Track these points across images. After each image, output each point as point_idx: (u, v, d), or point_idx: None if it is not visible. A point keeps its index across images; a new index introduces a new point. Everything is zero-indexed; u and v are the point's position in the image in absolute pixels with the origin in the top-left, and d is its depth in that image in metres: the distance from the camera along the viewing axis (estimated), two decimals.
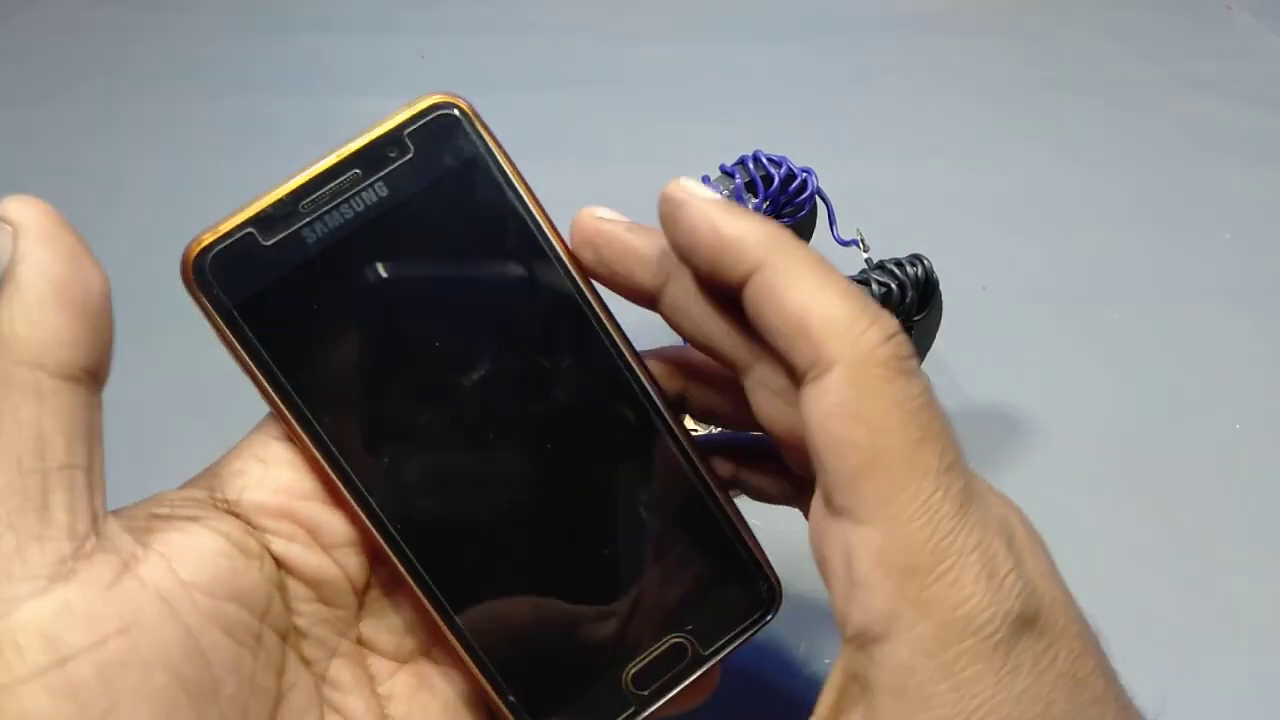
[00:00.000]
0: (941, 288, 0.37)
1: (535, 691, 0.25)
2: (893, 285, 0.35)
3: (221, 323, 0.23)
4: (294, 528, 0.23)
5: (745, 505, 0.27)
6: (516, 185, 0.24)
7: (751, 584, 0.26)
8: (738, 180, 0.40)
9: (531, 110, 0.64)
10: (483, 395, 0.24)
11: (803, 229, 0.44)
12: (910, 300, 0.36)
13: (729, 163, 0.40)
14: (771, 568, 0.27)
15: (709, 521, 0.26)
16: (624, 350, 0.25)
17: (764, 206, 0.41)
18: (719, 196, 0.22)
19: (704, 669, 0.26)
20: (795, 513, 0.27)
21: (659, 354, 0.27)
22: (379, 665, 0.25)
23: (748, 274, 0.21)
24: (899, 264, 0.36)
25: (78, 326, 0.20)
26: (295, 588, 0.23)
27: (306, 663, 0.23)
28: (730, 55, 0.71)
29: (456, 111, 0.24)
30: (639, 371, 0.25)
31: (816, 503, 0.21)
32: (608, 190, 0.56)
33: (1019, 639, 0.19)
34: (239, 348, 0.23)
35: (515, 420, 0.25)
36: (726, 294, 0.22)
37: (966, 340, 0.43)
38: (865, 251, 0.40)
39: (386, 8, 0.75)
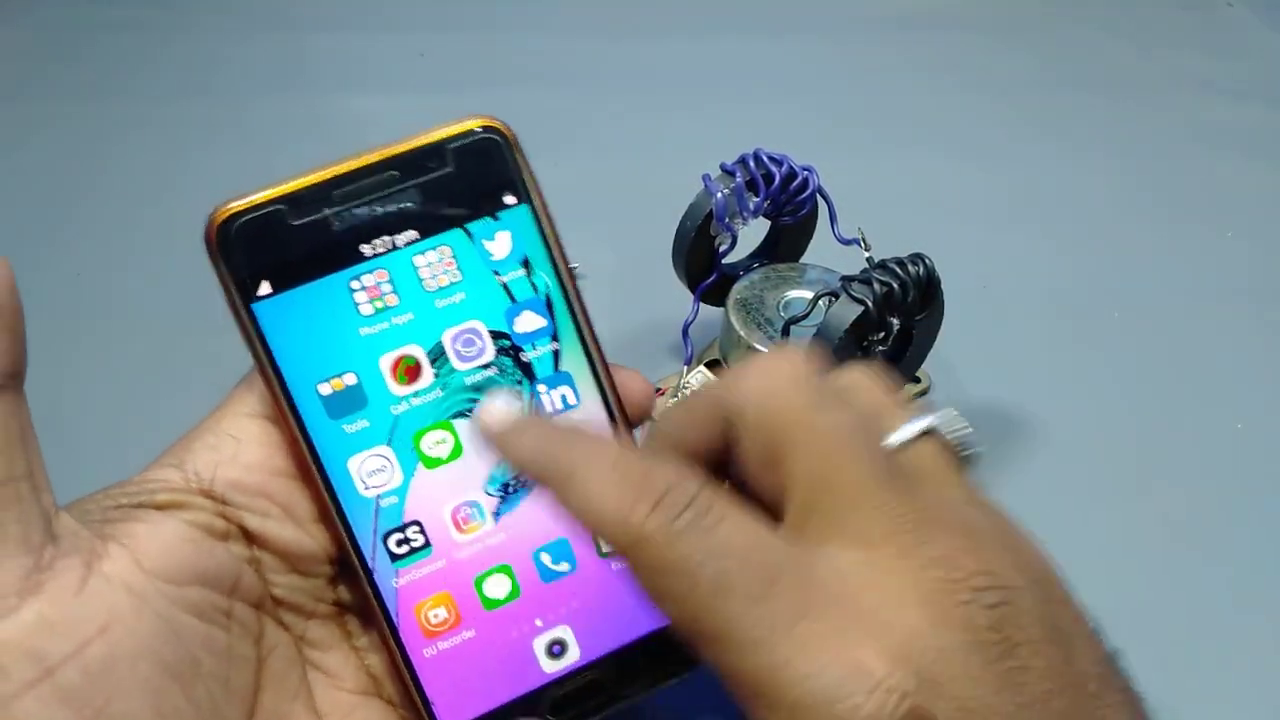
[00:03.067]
0: (943, 286, 0.37)
1: (458, 702, 0.26)
2: (894, 284, 0.35)
3: (233, 288, 0.23)
4: (268, 503, 0.24)
5: None
6: (540, 214, 0.25)
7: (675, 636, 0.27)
8: (738, 179, 0.40)
9: (531, 108, 0.63)
10: (462, 411, 0.25)
11: (804, 228, 0.44)
12: (912, 299, 0.36)
13: (730, 161, 0.40)
14: None
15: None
16: (605, 383, 0.26)
17: (765, 205, 0.40)
18: (505, 419, 0.23)
19: (615, 708, 0.27)
20: None
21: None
22: (355, 621, 0.26)
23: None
24: (900, 263, 0.36)
25: None
26: (269, 560, 0.24)
27: (284, 626, 0.24)
28: (730, 53, 0.71)
29: (500, 137, 0.24)
30: (613, 404, 0.26)
31: None
32: (607, 188, 0.56)
33: None
34: (243, 317, 0.23)
35: (482, 448, 0.25)
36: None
37: (967, 340, 0.43)
38: (867, 250, 0.40)
39: (386, 6, 0.75)
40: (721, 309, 0.42)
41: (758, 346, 0.39)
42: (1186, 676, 0.33)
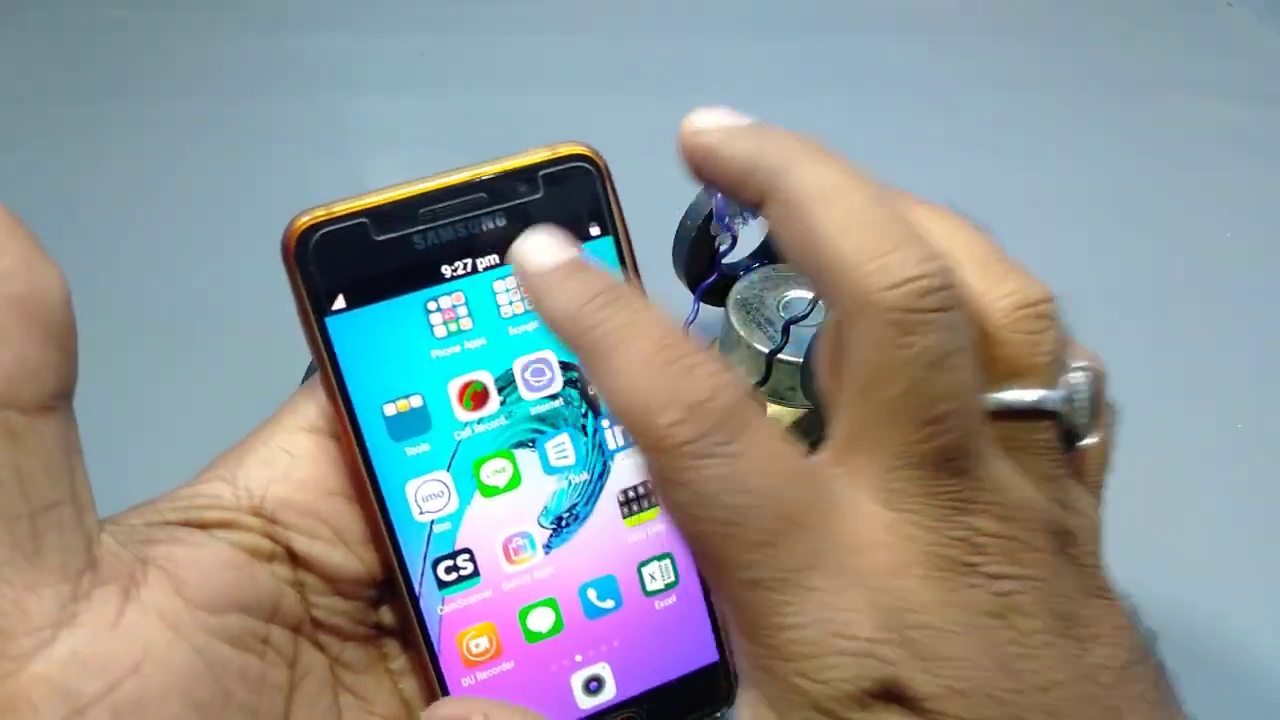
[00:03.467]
0: None
1: None
2: None
3: (307, 300, 0.22)
4: (317, 524, 0.23)
5: None
6: (623, 247, 0.25)
7: (713, 675, 0.27)
8: None
9: (531, 108, 0.64)
10: (523, 441, 0.25)
11: None
12: None
13: None
14: (735, 662, 0.27)
15: (682, 607, 0.26)
16: None
17: None
18: (717, 124, 0.22)
19: None
20: None
21: None
22: (392, 644, 0.25)
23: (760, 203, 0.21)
24: None
25: (44, 350, 0.18)
26: (313, 582, 0.23)
27: (321, 648, 0.23)
28: (731, 52, 0.71)
29: (592, 166, 0.24)
30: None
31: None
32: None
33: None
34: (315, 330, 0.23)
35: (547, 484, 0.25)
36: None
37: None
38: None
39: (386, 6, 0.75)
40: (721, 309, 0.42)
41: (758, 347, 0.39)
42: (1183, 679, 0.33)
